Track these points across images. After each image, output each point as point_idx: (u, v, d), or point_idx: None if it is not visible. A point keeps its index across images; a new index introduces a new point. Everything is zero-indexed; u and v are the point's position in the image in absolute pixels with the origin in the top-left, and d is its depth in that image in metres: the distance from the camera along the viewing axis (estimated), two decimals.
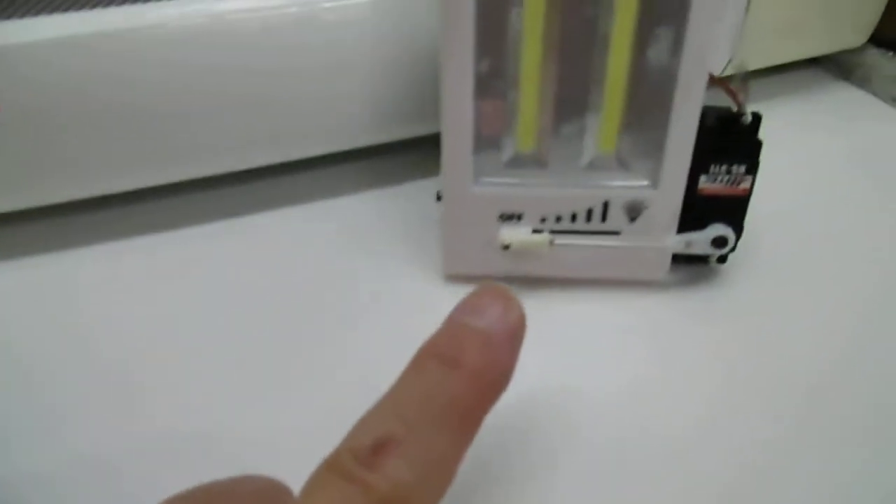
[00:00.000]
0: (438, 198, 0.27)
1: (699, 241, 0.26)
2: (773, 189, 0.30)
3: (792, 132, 0.37)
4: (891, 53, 0.40)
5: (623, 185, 0.25)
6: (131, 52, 0.26)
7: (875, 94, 0.40)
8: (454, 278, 0.28)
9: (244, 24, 0.27)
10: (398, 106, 0.30)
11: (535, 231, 0.26)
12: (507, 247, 0.25)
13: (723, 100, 0.25)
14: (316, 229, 0.31)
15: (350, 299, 0.27)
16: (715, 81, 0.24)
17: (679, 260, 0.27)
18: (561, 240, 0.26)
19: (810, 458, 0.22)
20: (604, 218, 0.26)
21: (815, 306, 0.27)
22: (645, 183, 0.25)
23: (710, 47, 0.22)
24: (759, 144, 0.25)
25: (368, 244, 0.30)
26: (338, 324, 0.26)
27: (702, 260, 0.28)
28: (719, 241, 0.26)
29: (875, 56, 0.40)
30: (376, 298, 0.27)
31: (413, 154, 0.34)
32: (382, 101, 0.30)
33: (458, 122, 0.24)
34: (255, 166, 0.31)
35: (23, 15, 0.26)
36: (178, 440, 0.22)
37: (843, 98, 0.41)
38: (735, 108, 0.24)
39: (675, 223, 0.26)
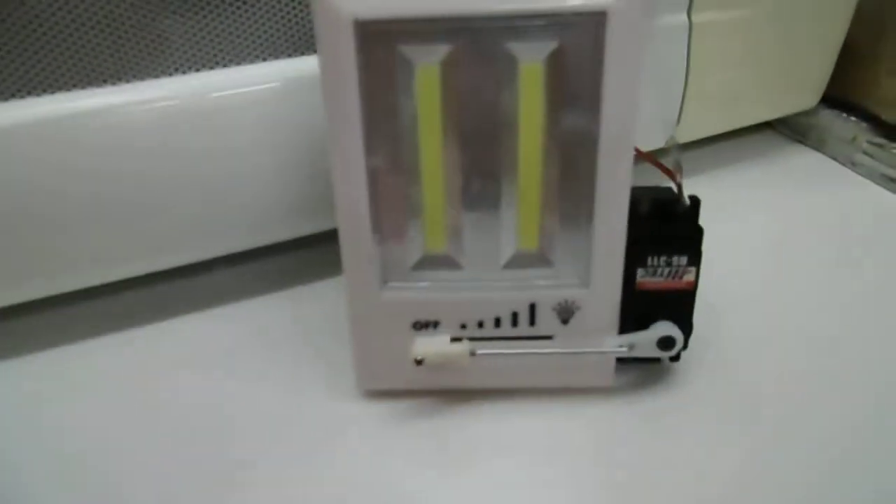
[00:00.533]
0: None
1: (643, 342, 0.22)
2: (729, 262, 0.27)
3: (747, 198, 0.35)
4: (844, 115, 0.38)
5: (550, 285, 0.22)
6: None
7: (832, 156, 0.38)
8: (372, 394, 0.24)
9: (135, 121, 0.24)
10: (303, 200, 0.27)
11: (455, 340, 0.22)
12: (419, 362, 0.22)
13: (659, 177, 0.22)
14: (215, 338, 0.27)
15: (252, 426, 0.24)
16: (644, 157, 0.22)
17: (627, 360, 0.24)
18: (484, 349, 0.22)
19: None
20: (532, 322, 0.22)
21: (785, 405, 0.24)
22: (574, 281, 0.22)
23: (631, 126, 0.20)
24: (699, 232, 0.22)
25: (274, 354, 0.26)
26: (234, 460, 0.22)
27: (652, 359, 0.25)
28: (666, 343, 0.22)
29: (829, 117, 0.38)
30: (281, 423, 0.24)
31: (322, 248, 0.31)
32: (286, 196, 0.27)
33: (353, 223, 0.21)
34: (144, 273, 0.28)
35: None
36: None
37: (799, 161, 0.38)
38: (674, 188, 0.22)
39: (614, 324, 0.22)
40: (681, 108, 0.33)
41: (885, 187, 0.35)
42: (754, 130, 0.41)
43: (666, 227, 0.22)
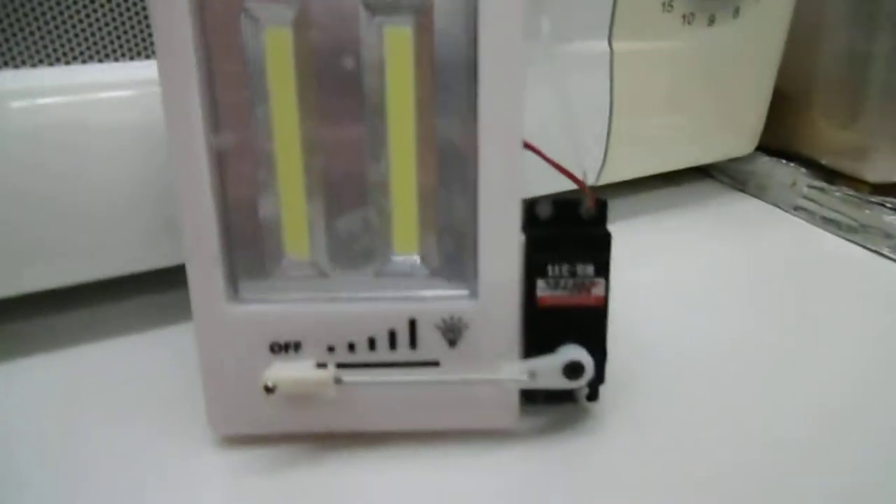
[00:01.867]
0: None
1: (546, 369, 0.19)
2: (663, 304, 0.24)
3: (681, 241, 0.32)
4: (783, 161, 0.36)
5: (433, 296, 0.18)
6: None
7: (773, 202, 0.36)
8: (230, 441, 0.20)
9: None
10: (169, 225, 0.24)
11: (320, 366, 0.18)
12: (271, 390, 0.18)
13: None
14: (59, 380, 0.23)
15: (89, 482, 0.19)
16: (535, 151, 0.19)
17: (536, 399, 0.20)
18: (353, 376, 0.18)
19: None
20: (413, 344, 0.19)
21: (720, 456, 0.20)
22: (462, 293, 0.18)
23: (518, 101, 0.17)
24: (607, 237, 0.19)
25: (124, 399, 0.22)
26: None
27: (567, 397, 0.21)
28: (573, 369, 0.19)
29: (767, 164, 0.37)
30: (119, 475, 0.19)
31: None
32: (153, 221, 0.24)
33: (196, 218, 0.17)
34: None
35: None
36: None
37: (740, 207, 0.36)
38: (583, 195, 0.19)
39: (513, 347, 0.19)
40: (606, 142, 0.31)
41: (826, 230, 0.33)
42: (693, 179, 0.39)
43: (567, 231, 0.19)
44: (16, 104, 0.22)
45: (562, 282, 0.19)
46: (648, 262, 0.30)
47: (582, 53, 0.29)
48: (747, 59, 0.34)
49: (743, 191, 0.38)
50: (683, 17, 0.31)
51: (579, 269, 0.19)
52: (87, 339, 0.25)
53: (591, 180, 0.32)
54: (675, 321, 0.26)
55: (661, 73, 0.32)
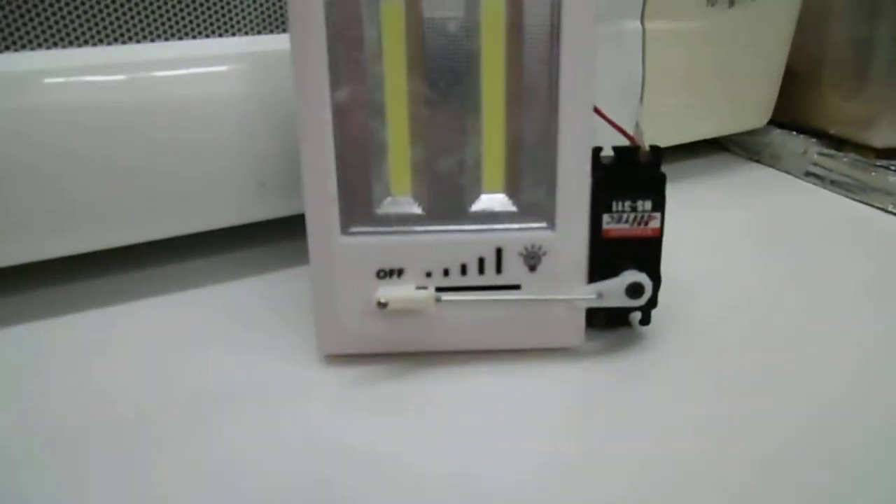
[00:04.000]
0: None
1: (612, 290, 0.22)
2: (696, 252, 0.27)
3: (705, 206, 0.36)
4: (794, 133, 0.40)
5: (517, 228, 0.22)
6: None
7: (785, 170, 0.39)
8: (334, 360, 0.23)
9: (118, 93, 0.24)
10: (282, 177, 0.27)
11: (419, 288, 0.22)
12: (383, 305, 0.21)
13: None
14: (186, 316, 0.26)
15: (220, 390, 0.22)
16: (602, 116, 0.22)
17: (596, 323, 0.24)
18: (450, 297, 0.22)
19: None
20: (499, 269, 0.22)
21: (747, 370, 0.23)
22: (541, 224, 0.22)
23: (591, 61, 0.20)
24: (662, 177, 0.22)
25: (243, 332, 0.25)
26: (204, 418, 0.21)
27: (622, 322, 0.24)
28: (635, 289, 0.22)
29: (780, 136, 0.40)
30: (246, 388, 0.22)
31: (296, 239, 0.31)
32: (263, 172, 0.27)
33: (317, 162, 0.21)
34: (129, 243, 0.27)
35: None
36: None
37: (756, 175, 0.40)
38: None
39: (582, 271, 0.22)
40: (637, 114, 0.34)
41: (835, 192, 0.37)
42: (710, 152, 0.42)
43: (629, 172, 0.22)
44: (131, 76, 0.25)
45: (624, 216, 0.22)
46: (676, 223, 0.33)
47: (617, 31, 0.33)
48: (762, 39, 0.37)
49: (758, 161, 0.41)
50: None
51: (639, 204, 0.22)
52: (203, 283, 0.28)
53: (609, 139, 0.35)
54: (705, 268, 0.29)
55: (685, 50, 0.35)
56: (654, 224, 0.22)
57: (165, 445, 0.20)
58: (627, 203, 0.22)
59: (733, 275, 0.29)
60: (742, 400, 0.21)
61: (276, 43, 0.27)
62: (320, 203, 0.21)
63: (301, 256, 0.22)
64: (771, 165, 0.40)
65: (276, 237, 0.31)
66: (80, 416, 0.21)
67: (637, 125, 0.23)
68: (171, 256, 0.30)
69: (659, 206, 0.22)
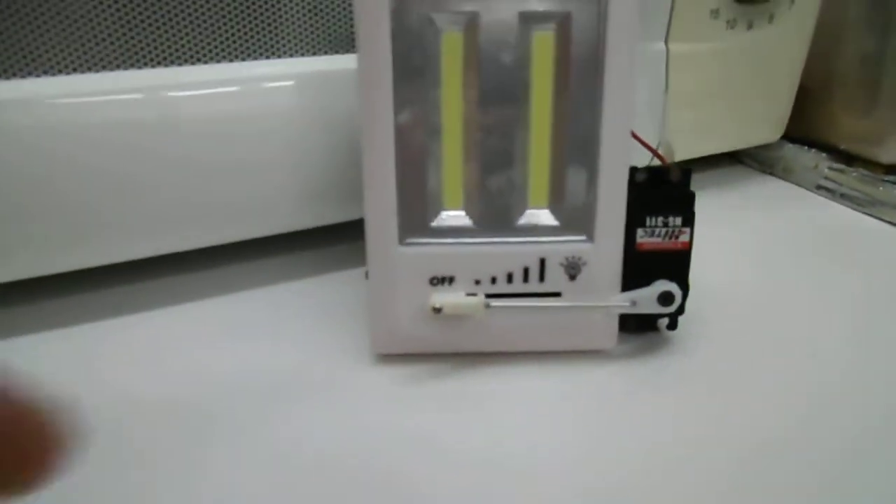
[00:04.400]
0: (367, 275, 0.25)
1: (645, 298, 0.24)
2: (709, 264, 0.29)
3: (721, 216, 0.38)
4: (806, 147, 0.42)
5: (558, 241, 0.24)
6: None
7: (797, 183, 0.41)
8: (385, 359, 0.25)
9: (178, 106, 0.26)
10: (328, 187, 0.29)
11: (469, 295, 0.24)
12: (438, 310, 0.23)
13: None
14: (241, 317, 0.28)
15: (277, 387, 0.24)
16: (637, 139, 0.24)
17: (627, 328, 0.26)
18: (497, 303, 0.24)
19: None
20: (542, 277, 0.24)
21: (765, 372, 0.25)
22: (581, 238, 0.24)
23: (631, 90, 0.22)
24: (691, 195, 0.24)
25: (295, 332, 0.27)
26: (260, 414, 0.23)
27: (651, 327, 0.26)
28: (665, 298, 0.24)
29: (792, 150, 0.42)
30: (301, 385, 0.24)
31: (341, 245, 0.33)
32: (312, 183, 0.29)
33: (379, 179, 0.23)
34: (181, 250, 0.29)
35: None
36: None
37: (769, 188, 0.42)
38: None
39: (617, 280, 0.24)
40: (660, 130, 0.36)
41: (844, 205, 0.39)
42: (725, 164, 0.44)
43: (661, 191, 0.24)
44: (195, 94, 0.27)
45: (656, 230, 0.24)
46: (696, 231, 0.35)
47: (644, 52, 0.35)
48: (778, 58, 0.39)
49: (771, 173, 0.43)
50: (727, 22, 0.36)
51: (670, 220, 0.24)
52: (255, 285, 0.30)
53: (643, 162, 0.37)
54: (725, 275, 0.31)
55: (705, 69, 0.37)
56: (684, 238, 0.24)
57: (239, 432, 0.22)
58: (660, 219, 0.24)
59: (749, 281, 0.31)
60: (758, 397, 0.24)
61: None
62: (381, 216, 0.23)
63: (325, 265, 0.24)
64: (783, 178, 0.42)
65: (293, 247, 0.33)
66: (167, 400, 0.23)
67: (668, 144, 0.25)
68: (215, 262, 0.32)
69: (688, 222, 0.24)
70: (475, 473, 0.20)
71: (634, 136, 0.24)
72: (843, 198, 0.39)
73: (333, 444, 0.21)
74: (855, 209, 0.38)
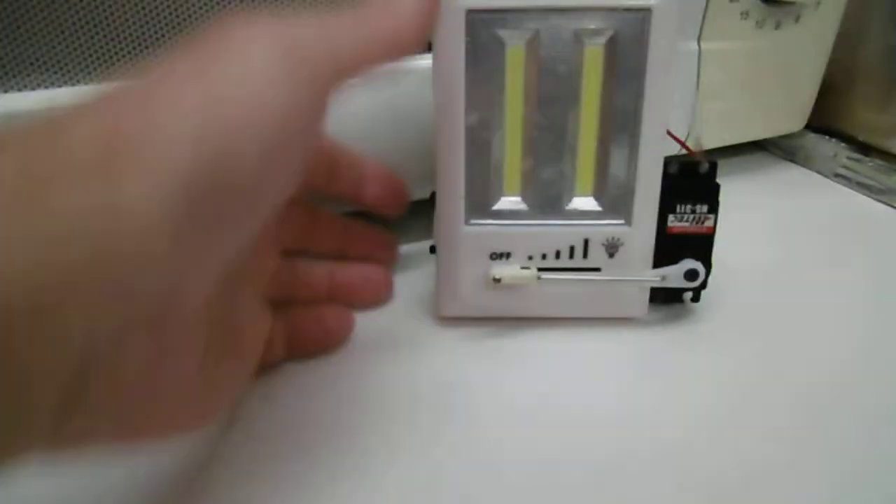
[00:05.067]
0: (432, 250, 0.29)
1: (673, 274, 0.28)
2: (731, 244, 0.33)
3: (744, 201, 0.41)
4: (827, 137, 0.45)
5: (600, 224, 0.28)
6: None
7: (817, 171, 0.45)
8: (448, 321, 0.30)
9: None
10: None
11: (523, 268, 0.28)
12: (497, 280, 0.27)
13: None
14: None
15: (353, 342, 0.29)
16: (671, 136, 0.28)
17: (657, 300, 0.30)
18: (547, 275, 0.28)
19: (791, 476, 0.23)
20: (585, 255, 0.28)
21: (777, 339, 0.29)
22: (620, 222, 0.28)
23: (668, 95, 0.26)
24: (717, 186, 0.28)
25: None
26: (337, 365, 0.28)
27: (677, 299, 0.31)
28: (691, 274, 0.28)
29: (813, 140, 0.45)
30: (377, 342, 0.29)
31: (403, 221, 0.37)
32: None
33: (450, 170, 0.27)
34: None
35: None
36: None
37: (791, 175, 0.45)
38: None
39: (649, 258, 0.28)
40: (692, 122, 0.40)
41: (860, 192, 0.42)
42: (751, 152, 0.48)
43: (690, 181, 0.28)
44: None
45: (685, 216, 0.28)
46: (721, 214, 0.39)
47: (677, 51, 0.38)
48: (803, 55, 0.42)
49: (793, 161, 0.46)
50: (756, 22, 0.39)
51: (698, 208, 0.28)
52: None
53: (675, 151, 0.40)
54: (745, 254, 0.35)
55: (735, 66, 0.40)
56: (709, 223, 0.28)
57: (326, 382, 0.26)
58: (688, 206, 0.28)
59: (766, 261, 0.35)
60: (770, 359, 0.28)
61: None
62: (450, 200, 0.27)
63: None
64: (804, 166, 0.46)
65: None
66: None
67: (698, 137, 0.28)
68: None
69: (713, 209, 0.28)
70: (522, 417, 0.25)
71: (669, 133, 0.28)
72: (860, 186, 0.42)
73: (408, 385, 0.26)
74: (870, 196, 0.42)
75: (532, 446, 0.24)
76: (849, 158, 0.43)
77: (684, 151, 0.32)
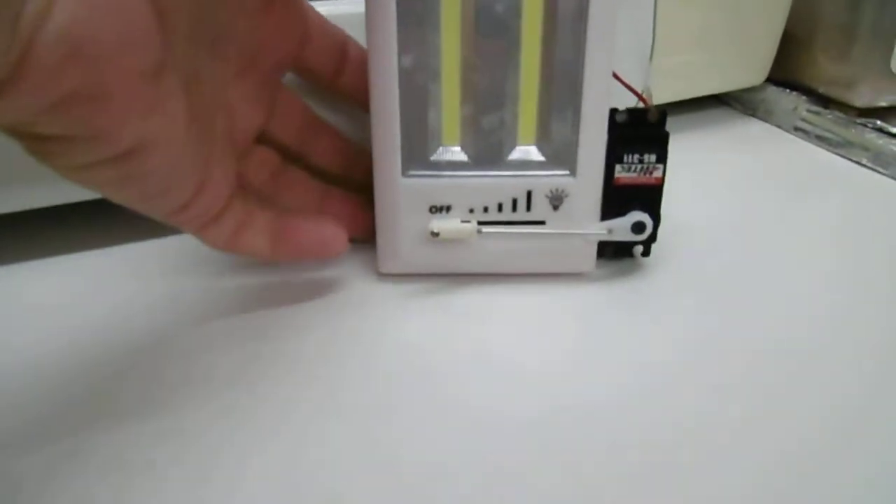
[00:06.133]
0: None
1: (620, 227, 0.27)
2: (686, 200, 0.32)
3: (703, 156, 0.40)
4: (787, 90, 0.44)
5: (544, 175, 0.26)
6: None
7: (777, 125, 0.44)
8: (389, 277, 0.28)
9: None
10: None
11: (463, 222, 0.27)
12: (436, 234, 0.26)
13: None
14: None
15: (289, 300, 0.28)
16: (619, 80, 0.27)
17: (605, 255, 0.29)
18: (488, 229, 0.27)
19: (727, 437, 0.22)
20: (528, 207, 0.27)
21: (730, 295, 0.28)
22: (565, 172, 0.26)
23: (611, 43, 0.24)
24: (666, 135, 0.27)
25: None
26: (276, 323, 0.26)
27: (627, 254, 0.30)
28: (638, 227, 0.27)
29: (774, 93, 0.44)
30: (316, 299, 0.28)
31: None
32: None
33: (385, 117, 0.25)
34: None
35: None
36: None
37: (750, 129, 0.44)
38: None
39: (596, 211, 0.27)
40: (647, 73, 0.39)
41: (819, 146, 0.41)
42: (711, 106, 0.47)
43: (638, 130, 0.27)
44: None
45: (633, 166, 0.27)
46: (677, 170, 0.38)
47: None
48: (763, 5, 0.41)
49: (753, 115, 0.45)
50: None
51: (646, 157, 0.27)
52: None
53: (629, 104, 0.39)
54: (700, 209, 0.34)
55: (693, 17, 0.39)
56: (657, 174, 0.27)
57: (271, 343, 0.25)
58: (636, 156, 0.27)
59: (721, 216, 0.34)
60: (721, 315, 0.27)
61: None
62: (386, 150, 0.26)
63: None
64: (765, 120, 0.45)
65: None
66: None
67: (648, 88, 0.27)
68: None
69: (662, 159, 0.27)
70: (459, 375, 0.24)
71: (617, 77, 0.27)
72: (818, 139, 0.42)
73: (342, 344, 0.25)
74: (828, 150, 0.41)
75: (466, 402, 0.23)
76: (808, 111, 0.42)
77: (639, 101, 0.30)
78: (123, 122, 0.18)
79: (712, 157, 0.40)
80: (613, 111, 0.26)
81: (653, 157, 0.27)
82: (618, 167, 0.27)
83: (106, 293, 0.28)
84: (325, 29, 0.27)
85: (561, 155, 0.26)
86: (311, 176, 0.29)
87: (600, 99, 0.25)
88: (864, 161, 0.39)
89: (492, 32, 0.25)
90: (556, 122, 0.26)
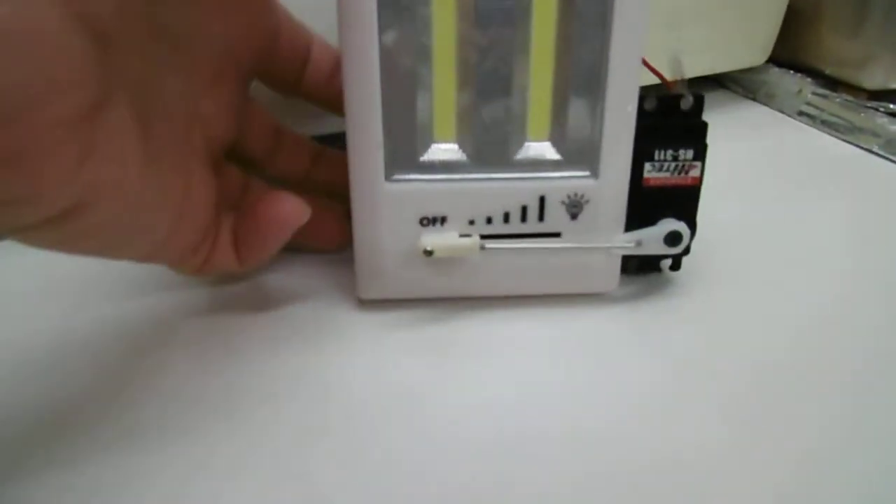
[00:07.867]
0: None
1: (650, 238, 0.22)
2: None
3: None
4: (791, 71, 0.40)
5: (560, 177, 0.22)
6: None
7: (779, 109, 0.40)
8: (371, 305, 0.23)
9: None
10: None
11: (462, 236, 0.22)
12: (428, 253, 0.21)
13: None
14: None
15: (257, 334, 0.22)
16: (646, 65, 0.22)
17: (629, 270, 0.24)
18: (493, 244, 0.22)
19: (759, 460, 0.18)
20: (541, 217, 0.22)
21: (772, 311, 0.24)
22: (584, 173, 0.22)
23: (644, 20, 0.20)
24: (704, 126, 0.22)
25: (283, 274, 0.25)
26: (239, 358, 0.21)
27: (654, 268, 0.25)
28: (673, 238, 0.22)
29: (777, 74, 0.41)
30: (286, 334, 0.22)
31: None
32: None
33: (363, 106, 0.20)
34: None
35: None
36: None
37: (751, 113, 0.40)
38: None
39: (621, 219, 0.22)
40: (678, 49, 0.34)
41: (825, 132, 0.38)
42: (707, 88, 0.43)
43: (672, 121, 0.22)
44: None
45: (665, 165, 0.22)
46: None
47: None
48: None
49: (754, 99, 0.42)
50: None
51: (681, 153, 0.22)
52: None
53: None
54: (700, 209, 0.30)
55: None
56: (695, 173, 0.22)
57: (222, 403, 0.20)
58: (669, 152, 0.22)
59: (736, 217, 0.30)
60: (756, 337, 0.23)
61: None
62: (365, 149, 0.20)
63: None
64: (765, 104, 0.41)
65: None
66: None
67: (676, 59, 0.22)
68: None
69: (700, 155, 0.22)
70: (463, 430, 0.19)
71: (645, 62, 0.22)
72: (825, 124, 0.38)
73: (309, 392, 0.20)
74: (835, 136, 0.37)
75: (463, 474, 0.18)
76: (814, 94, 0.39)
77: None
78: (51, 182, 0.15)
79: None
80: (641, 97, 0.22)
81: (689, 154, 0.22)
82: (647, 166, 0.22)
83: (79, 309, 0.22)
84: (293, 23, 0.23)
85: (580, 153, 0.21)
86: (272, 186, 0.24)
87: (628, 85, 0.21)
88: (875, 148, 0.36)
89: (495, 1, 0.20)
90: (573, 112, 0.21)
